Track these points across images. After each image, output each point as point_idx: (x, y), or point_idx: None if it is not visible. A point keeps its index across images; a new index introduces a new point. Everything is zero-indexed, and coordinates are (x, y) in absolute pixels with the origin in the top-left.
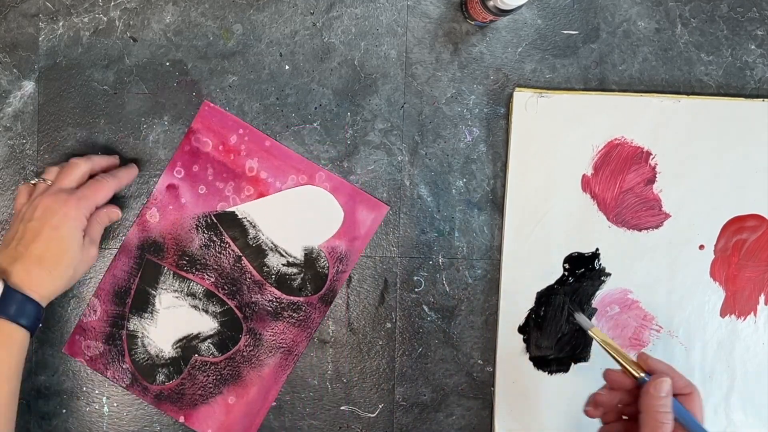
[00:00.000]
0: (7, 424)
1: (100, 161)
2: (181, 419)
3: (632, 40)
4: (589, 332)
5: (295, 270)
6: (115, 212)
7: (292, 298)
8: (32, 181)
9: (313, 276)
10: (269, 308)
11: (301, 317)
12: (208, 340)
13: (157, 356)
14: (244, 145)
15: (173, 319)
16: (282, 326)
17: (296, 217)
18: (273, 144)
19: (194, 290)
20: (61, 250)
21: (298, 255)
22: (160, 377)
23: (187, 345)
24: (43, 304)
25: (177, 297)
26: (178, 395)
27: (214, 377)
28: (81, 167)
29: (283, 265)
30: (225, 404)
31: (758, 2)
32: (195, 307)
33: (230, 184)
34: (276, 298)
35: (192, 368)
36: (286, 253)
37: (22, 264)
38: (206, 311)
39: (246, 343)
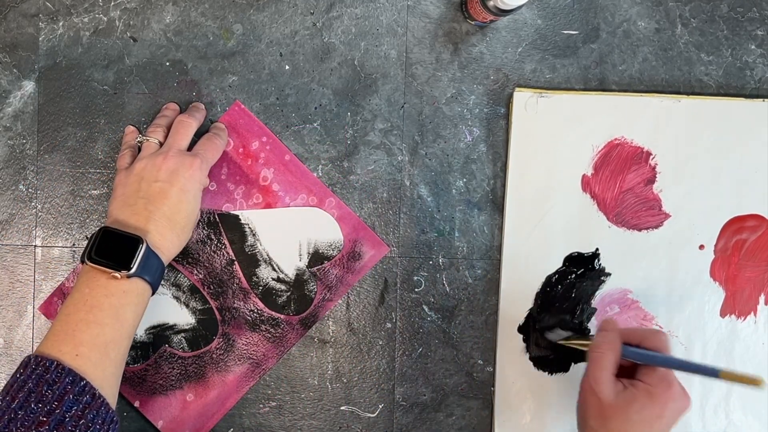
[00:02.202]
0: (119, 378)
1: (199, 114)
2: (137, 404)
3: (632, 40)
4: (564, 343)
5: (283, 287)
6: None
7: (273, 313)
8: (138, 140)
9: (299, 297)
10: (249, 318)
11: (277, 334)
12: (182, 334)
13: None
14: (264, 154)
15: (152, 305)
16: (257, 338)
17: (297, 235)
18: (293, 159)
19: (180, 282)
20: (188, 212)
21: (290, 273)
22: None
23: (160, 333)
24: (165, 263)
25: (162, 284)
26: (138, 380)
27: (179, 371)
28: (192, 125)
29: (273, 279)
30: (183, 400)
31: (758, 2)
32: (177, 298)
33: (241, 188)
34: (258, 310)
35: (159, 357)
36: (278, 268)
37: (155, 225)
38: (187, 305)
39: (218, 346)
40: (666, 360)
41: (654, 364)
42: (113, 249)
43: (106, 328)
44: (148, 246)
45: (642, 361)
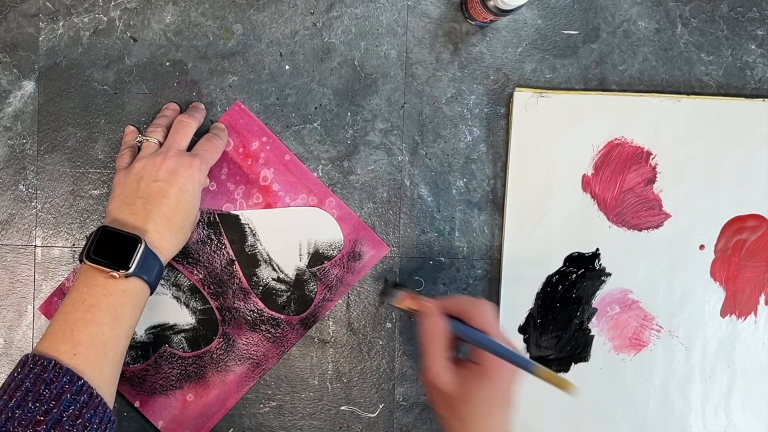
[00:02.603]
0: (117, 377)
1: (199, 115)
2: (137, 404)
3: (632, 40)
4: (394, 304)
5: (283, 287)
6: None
7: (273, 313)
8: (138, 140)
9: (299, 297)
10: (249, 318)
11: (277, 334)
12: (182, 334)
13: None
14: (264, 154)
15: (152, 305)
16: (257, 338)
17: (297, 235)
18: (293, 159)
19: (180, 282)
20: (187, 212)
21: (290, 273)
22: (126, 358)
23: (161, 333)
24: (164, 263)
25: (162, 284)
26: (139, 380)
27: (179, 371)
28: (192, 125)
29: (273, 279)
30: (183, 400)
31: (758, 2)
32: (177, 298)
33: (241, 188)
34: (258, 310)
35: (159, 357)
36: (278, 268)
37: (153, 224)
38: (187, 305)
39: (218, 346)
40: (484, 341)
41: (476, 344)
42: (112, 248)
43: (104, 327)
44: (146, 246)
45: (467, 340)
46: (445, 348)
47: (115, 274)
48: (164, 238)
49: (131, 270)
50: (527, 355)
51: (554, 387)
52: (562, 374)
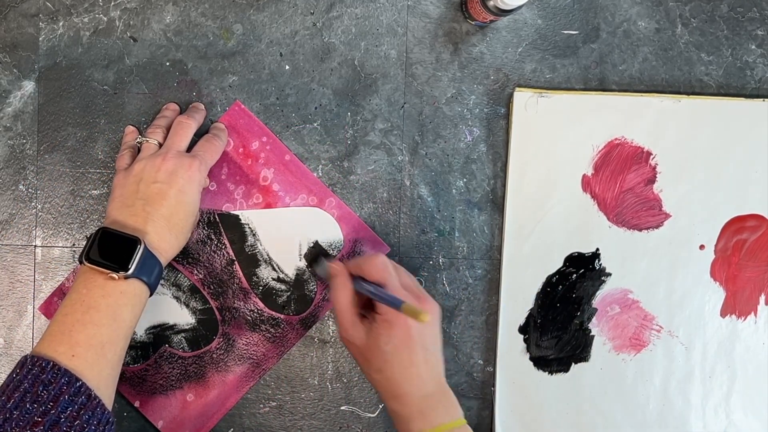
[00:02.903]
0: (116, 378)
1: (198, 115)
2: (137, 404)
3: (632, 40)
4: (319, 273)
5: (283, 287)
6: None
7: (273, 313)
8: (137, 141)
9: (300, 297)
10: (249, 317)
11: (277, 334)
12: (182, 334)
13: None
14: (264, 154)
15: (152, 305)
16: (257, 338)
17: (297, 235)
18: (293, 159)
19: (180, 282)
20: (187, 213)
21: (290, 273)
22: (126, 358)
23: (161, 333)
24: (164, 265)
25: (162, 284)
26: (139, 380)
27: (179, 371)
28: (192, 126)
29: (273, 279)
30: (183, 400)
31: (758, 2)
32: (177, 298)
33: (241, 188)
34: (258, 309)
35: (159, 357)
36: (278, 268)
37: (153, 226)
38: (187, 305)
39: (218, 346)
40: (374, 292)
41: (372, 297)
42: (111, 250)
43: (103, 328)
44: (146, 247)
45: (367, 295)
46: (353, 306)
47: (114, 275)
48: (164, 240)
49: (130, 271)
50: (527, 355)
51: (412, 318)
52: (560, 374)
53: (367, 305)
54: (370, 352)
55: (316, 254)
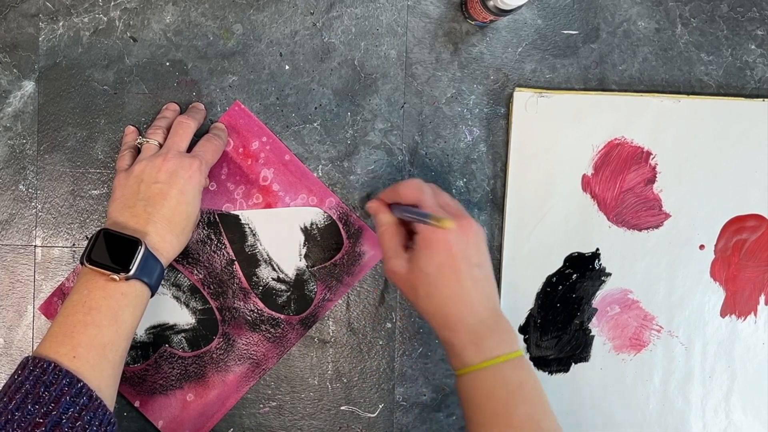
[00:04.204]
0: (117, 379)
1: (199, 115)
2: (137, 404)
3: (632, 40)
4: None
5: (283, 287)
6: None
7: (273, 313)
8: (138, 141)
9: (299, 297)
10: (249, 317)
11: (277, 334)
12: (182, 334)
13: None
14: (264, 154)
15: (152, 305)
16: (257, 338)
17: (297, 235)
18: (293, 159)
19: (180, 282)
20: (188, 213)
21: (290, 273)
22: (126, 358)
23: (161, 333)
24: (165, 265)
25: (162, 284)
26: (139, 380)
27: (179, 371)
28: (192, 126)
29: (273, 279)
30: (183, 400)
31: (758, 2)
32: (177, 298)
33: (241, 188)
34: (258, 309)
35: (159, 357)
36: (278, 268)
37: (154, 227)
38: (187, 305)
39: (218, 346)
40: (410, 213)
41: (410, 219)
42: (112, 251)
43: (104, 329)
44: (147, 248)
45: (402, 217)
46: (395, 236)
47: (115, 276)
48: (165, 241)
49: (131, 272)
50: (527, 356)
51: (438, 227)
52: (560, 374)
53: (412, 238)
54: (415, 277)
55: (363, 200)
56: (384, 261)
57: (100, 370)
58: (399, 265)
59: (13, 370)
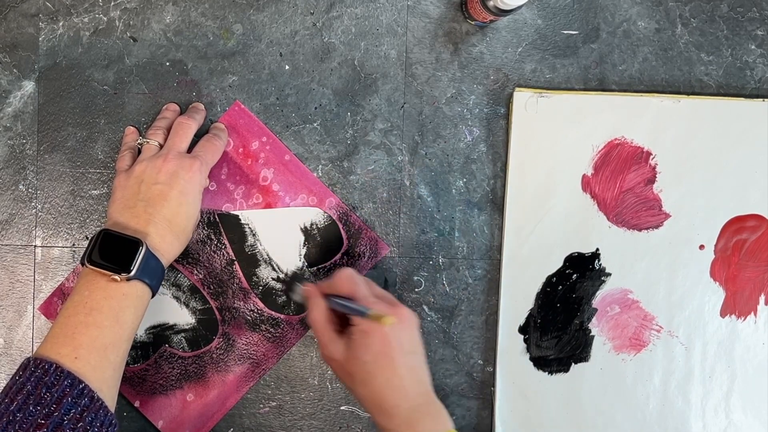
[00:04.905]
0: (118, 380)
1: (199, 116)
2: (137, 404)
3: (632, 40)
4: (295, 299)
5: (283, 287)
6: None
7: (273, 313)
8: (138, 142)
9: None
10: (249, 317)
11: (277, 334)
12: (182, 334)
13: None
14: (264, 154)
15: (153, 305)
16: (257, 338)
17: (297, 235)
18: (293, 159)
19: (180, 282)
20: (188, 214)
21: (290, 273)
22: (126, 358)
23: (160, 333)
24: (165, 266)
25: (162, 284)
26: (139, 380)
27: (179, 371)
28: (192, 127)
29: (273, 279)
30: (183, 400)
31: (758, 2)
32: (177, 298)
33: (241, 188)
34: (258, 309)
35: (159, 357)
36: (278, 268)
37: (155, 228)
38: (187, 305)
39: (218, 346)
40: (343, 305)
41: (342, 310)
42: (113, 252)
43: (106, 330)
44: (148, 248)
45: (339, 310)
46: (329, 322)
47: (116, 277)
48: (165, 241)
49: (132, 273)
50: (527, 356)
51: (379, 323)
52: (561, 374)
53: (345, 323)
54: (352, 365)
55: (291, 281)
56: (320, 346)
57: (102, 371)
58: (337, 352)
59: (13, 371)
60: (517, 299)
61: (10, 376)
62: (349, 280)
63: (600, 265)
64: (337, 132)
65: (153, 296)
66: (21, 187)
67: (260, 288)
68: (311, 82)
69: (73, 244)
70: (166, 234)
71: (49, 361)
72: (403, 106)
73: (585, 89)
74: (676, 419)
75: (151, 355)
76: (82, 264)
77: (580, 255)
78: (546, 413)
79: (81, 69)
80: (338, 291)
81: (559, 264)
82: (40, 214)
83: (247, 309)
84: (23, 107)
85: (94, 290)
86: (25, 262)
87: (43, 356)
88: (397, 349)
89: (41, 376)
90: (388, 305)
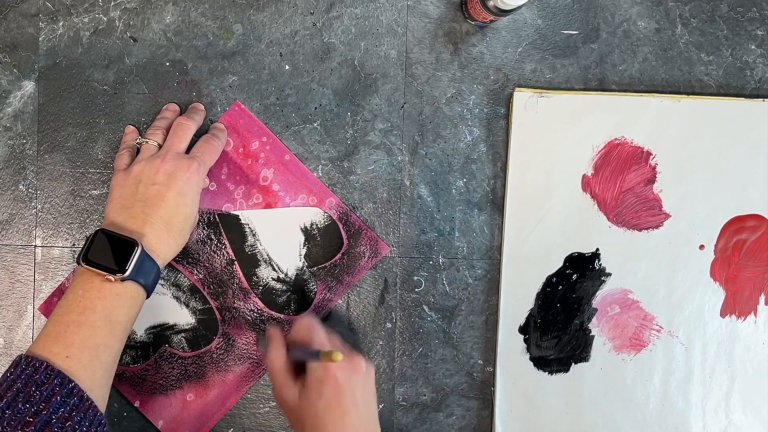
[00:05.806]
0: (109, 380)
1: (198, 116)
2: (137, 404)
3: (632, 40)
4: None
5: (283, 287)
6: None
7: (273, 313)
8: (137, 142)
9: (300, 297)
10: (249, 317)
11: None
12: (182, 334)
13: (128, 337)
14: (264, 154)
15: (152, 305)
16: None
17: (297, 235)
18: (293, 159)
19: (180, 282)
20: (186, 215)
21: (290, 273)
22: (126, 358)
23: (161, 333)
24: (161, 267)
25: (162, 284)
26: (139, 379)
27: (179, 371)
28: (191, 127)
29: (273, 279)
30: (183, 399)
31: (758, 2)
32: (177, 298)
33: (241, 188)
34: (258, 309)
35: (159, 357)
36: (278, 268)
37: (151, 228)
38: (187, 305)
39: (218, 346)
40: (299, 354)
41: (300, 357)
42: (109, 252)
43: (98, 330)
44: (143, 249)
45: (296, 358)
46: (285, 367)
47: (110, 277)
48: (162, 242)
49: (127, 274)
50: (527, 356)
51: (328, 361)
52: (560, 374)
53: (302, 372)
54: (304, 411)
55: (261, 334)
56: (274, 390)
57: (93, 371)
58: (290, 397)
59: None
60: (517, 299)
61: (2, 373)
62: (306, 326)
63: (600, 265)
64: (337, 132)
65: (148, 297)
66: (21, 187)
67: (260, 288)
68: (311, 82)
69: (73, 244)
70: (163, 235)
71: (40, 359)
72: (403, 106)
73: (585, 89)
74: (676, 419)
75: (151, 355)
76: (78, 263)
77: (580, 255)
78: (546, 413)
79: (81, 69)
80: (296, 336)
81: (559, 264)
82: (40, 214)
83: (248, 309)
84: (23, 107)
85: (88, 290)
86: (25, 262)
87: (35, 354)
88: (349, 398)
89: (31, 374)
90: (344, 352)
